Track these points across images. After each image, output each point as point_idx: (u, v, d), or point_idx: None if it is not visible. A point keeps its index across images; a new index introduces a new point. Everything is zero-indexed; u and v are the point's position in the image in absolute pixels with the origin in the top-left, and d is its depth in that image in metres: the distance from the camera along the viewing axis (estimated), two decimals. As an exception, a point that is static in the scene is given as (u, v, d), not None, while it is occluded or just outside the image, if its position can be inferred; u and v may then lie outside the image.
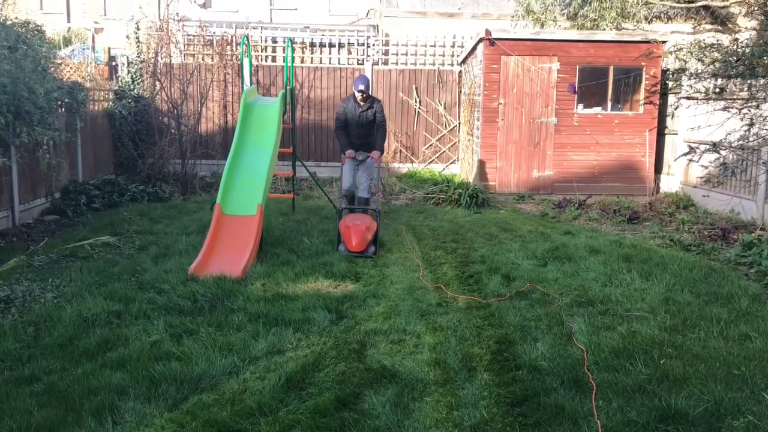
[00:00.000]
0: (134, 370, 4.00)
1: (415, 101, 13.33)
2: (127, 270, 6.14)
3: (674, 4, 12.93)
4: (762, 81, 8.03)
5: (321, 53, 14.17)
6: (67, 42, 20.58)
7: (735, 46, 8.07)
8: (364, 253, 6.89)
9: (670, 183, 11.27)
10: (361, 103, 8.11)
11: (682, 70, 10.47)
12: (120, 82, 12.53)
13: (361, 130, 8.18)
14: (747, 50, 7.76)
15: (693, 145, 8.81)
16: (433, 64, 13.71)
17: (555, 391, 3.77)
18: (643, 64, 11.14)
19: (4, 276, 5.86)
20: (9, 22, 7.98)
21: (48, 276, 6.00)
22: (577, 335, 4.64)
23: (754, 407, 3.56)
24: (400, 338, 4.66)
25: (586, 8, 13.05)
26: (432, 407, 3.65)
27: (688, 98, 10.36)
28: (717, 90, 8.76)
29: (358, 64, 13.79)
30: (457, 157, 13.46)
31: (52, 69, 8.87)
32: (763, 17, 8.61)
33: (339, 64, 13.86)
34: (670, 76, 11.25)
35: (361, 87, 7.95)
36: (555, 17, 13.65)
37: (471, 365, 4.21)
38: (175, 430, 3.32)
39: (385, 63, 13.85)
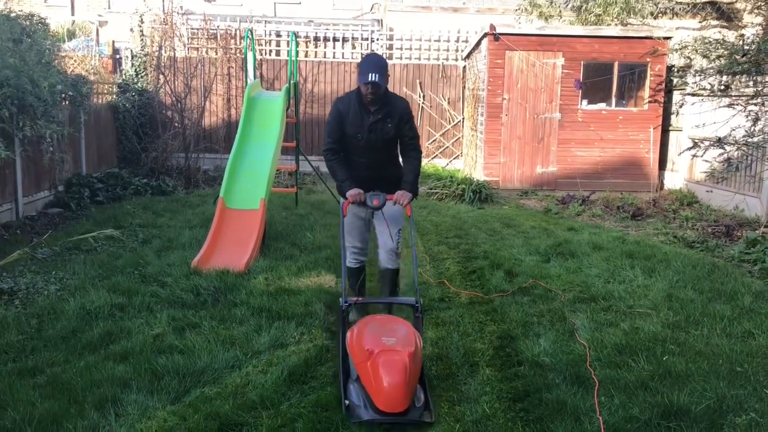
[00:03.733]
0: (137, 362, 4.00)
1: (419, 96, 13.30)
2: (130, 263, 6.15)
3: (680, 0, 12.88)
4: (768, 78, 7.99)
5: (325, 47, 14.15)
6: (71, 35, 20.59)
7: (741, 42, 8.03)
8: (406, 415, 3.36)
9: (674, 180, 11.24)
10: (371, 107, 4.44)
11: (688, 66, 10.44)
12: (124, 76, 12.54)
13: (374, 155, 4.56)
14: (753, 46, 7.72)
15: (698, 143, 8.78)
16: (437, 59, 13.68)
17: (557, 387, 3.77)
18: (648, 60, 11.10)
19: (7, 268, 5.87)
20: (13, 15, 7.98)
21: (51, 268, 6.01)
22: (579, 331, 4.64)
23: (756, 404, 3.55)
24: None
25: (590, 3, 13.01)
26: (434, 402, 3.65)
27: (692, 95, 10.32)
28: (722, 87, 8.73)
29: (361, 58, 13.77)
30: (461, 153, 13.44)
31: (56, 62, 8.88)
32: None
33: (343, 58, 13.84)
34: (675, 72, 11.22)
35: (373, 76, 4.27)
36: (560, 12, 13.61)
37: (473, 360, 4.21)
38: (177, 422, 3.33)
39: (389, 58, 13.83)
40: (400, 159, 4.70)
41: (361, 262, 4.90)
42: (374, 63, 4.32)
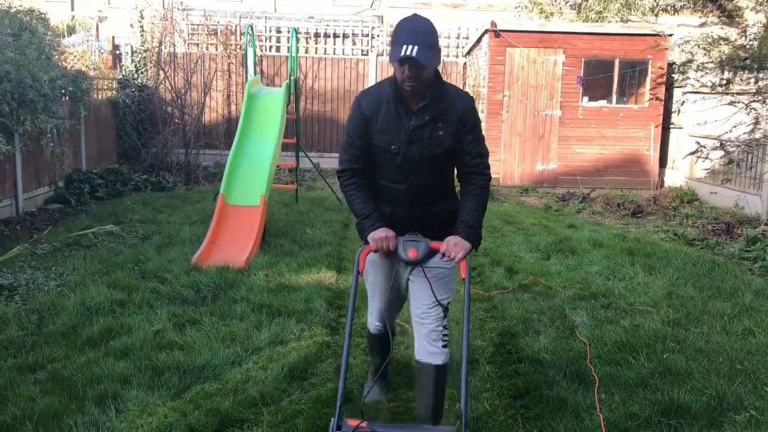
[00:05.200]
0: (137, 359, 4.00)
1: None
2: (130, 259, 6.14)
3: (681, -3, 12.85)
4: (769, 73, 7.98)
5: (325, 44, 14.13)
6: (71, 30, 20.56)
7: (743, 39, 8.02)
8: None
9: (675, 177, 11.24)
10: (414, 104, 2.89)
11: (689, 62, 10.43)
12: (124, 71, 12.51)
13: (417, 179, 3.00)
14: (755, 43, 7.71)
15: (700, 140, 8.78)
16: (438, 56, 13.65)
17: (557, 384, 3.77)
18: (649, 57, 11.09)
19: (7, 264, 5.87)
20: (13, 10, 7.97)
21: (51, 264, 6.01)
22: (579, 328, 4.64)
23: (756, 402, 3.55)
24: (403, 330, 4.66)
25: (590, 0, 12.98)
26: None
27: (694, 93, 10.32)
28: (723, 83, 8.72)
29: (362, 54, 13.75)
30: (461, 149, 13.42)
31: (56, 57, 8.87)
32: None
33: (343, 54, 13.82)
34: (677, 69, 11.20)
35: (410, 48, 2.65)
36: (560, 8, 13.58)
37: (473, 357, 4.21)
38: (177, 418, 3.33)
39: (389, 55, 13.80)
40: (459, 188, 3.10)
41: (384, 328, 3.28)
42: (414, 29, 2.68)
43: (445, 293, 3.03)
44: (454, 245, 2.83)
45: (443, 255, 2.85)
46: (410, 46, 2.64)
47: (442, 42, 13.77)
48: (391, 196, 3.02)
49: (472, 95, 3.28)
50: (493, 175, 11.86)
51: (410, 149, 2.89)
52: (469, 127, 2.90)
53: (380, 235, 2.88)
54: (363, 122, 2.93)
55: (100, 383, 3.68)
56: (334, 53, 13.96)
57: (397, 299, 3.28)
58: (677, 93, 11.15)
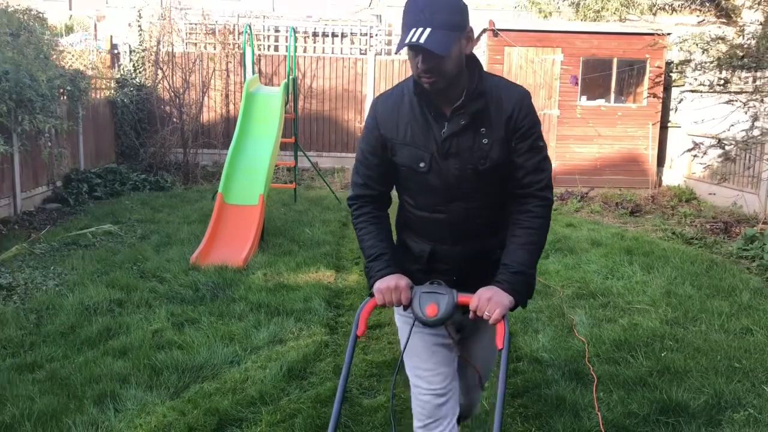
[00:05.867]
0: (136, 358, 4.00)
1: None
2: (128, 258, 6.14)
3: (678, -4, 12.86)
4: (768, 74, 7.99)
5: (324, 43, 14.12)
6: (69, 30, 20.53)
7: (741, 38, 8.03)
8: None
9: (673, 176, 11.24)
10: (446, 105, 2.14)
11: (687, 61, 10.43)
12: (122, 71, 12.50)
13: (456, 206, 2.22)
14: (753, 42, 7.71)
15: (697, 140, 8.78)
16: (436, 55, 13.65)
17: (556, 383, 3.77)
18: (647, 56, 11.09)
19: (6, 264, 5.86)
20: (11, 9, 7.95)
21: (50, 264, 6.00)
22: (578, 327, 4.64)
23: (754, 400, 3.56)
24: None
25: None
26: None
27: (692, 91, 10.32)
28: (721, 83, 8.72)
29: (360, 54, 13.75)
30: (460, 149, 13.43)
31: (54, 57, 8.85)
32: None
33: (342, 53, 13.81)
34: (675, 68, 11.21)
35: (418, 33, 1.93)
36: (559, 7, 13.59)
37: (472, 356, 4.21)
38: (176, 418, 3.33)
39: (388, 53, 13.80)
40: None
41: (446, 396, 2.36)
42: (424, 4, 1.96)
43: (485, 363, 2.47)
44: (488, 300, 2.04)
45: (474, 313, 2.06)
46: (419, 29, 1.93)
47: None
48: (430, 229, 2.26)
49: (525, 90, 2.20)
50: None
51: (446, 165, 2.14)
52: (522, 131, 2.13)
53: (388, 284, 2.14)
54: (378, 133, 2.23)
55: (99, 383, 3.68)
56: (332, 52, 13.95)
57: (448, 366, 2.39)
58: (675, 92, 11.15)
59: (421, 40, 1.92)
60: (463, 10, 2.02)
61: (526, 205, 2.17)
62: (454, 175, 2.16)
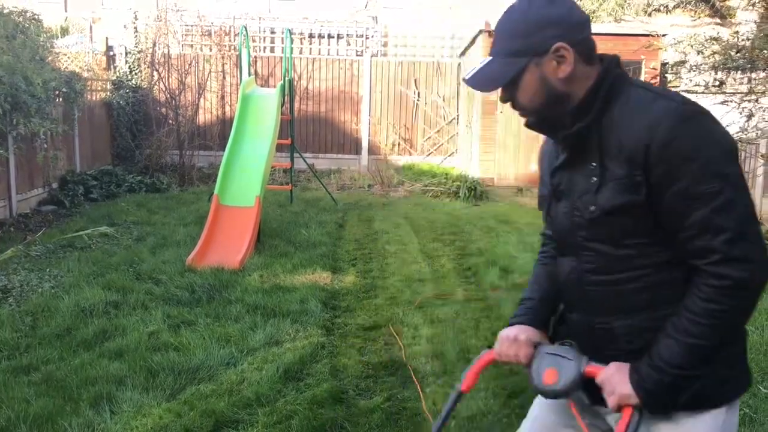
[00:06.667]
0: (132, 360, 4.00)
1: (414, 93, 13.29)
2: (124, 260, 6.13)
3: (674, -3, 12.90)
4: (762, 74, 8.01)
5: (320, 44, 14.13)
6: (65, 32, 20.50)
7: (735, 39, 8.06)
8: None
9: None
10: (554, 133, 1.69)
11: (682, 62, 10.46)
12: (118, 73, 12.48)
13: (574, 261, 1.69)
14: (747, 43, 7.74)
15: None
16: (432, 56, 13.67)
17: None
18: (642, 57, 11.12)
19: (1, 266, 5.85)
20: (6, 11, 7.94)
21: (45, 266, 5.99)
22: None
23: (750, 400, 3.56)
24: (398, 330, 4.67)
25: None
26: (430, 399, 3.66)
27: (687, 92, 10.35)
28: (716, 83, 8.75)
29: (356, 55, 13.76)
30: (456, 150, 13.44)
31: (50, 59, 8.84)
32: (764, 9, 8.60)
33: (338, 55, 13.82)
34: (670, 69, 11.24)
35: (480, 64, 1.67)
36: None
37: (468, 357, 4.21)
38: (172, 419, 3.32)
39: (384, 55, 13.81)
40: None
41: None
42: (496, 29, 1.69)
43: None
44: (611, 375, 1.58)
45: (603, 393, 1.60)
46: (485, 60, 1.68)
47: (437, 42, 13.75)
48: (560, 288, 1.80)
49: (684, 106, 1.50)
50: (487, 175, 11.73)
51: (556, 208, 1.73)
52: (663, 170, 1.47)
53: (508, 334, 1.82)
54: (540, 161, 1.87)
55: (95, 385, 3.67)
56: (328, 54, 13.96)
57: None
58: (671, 92, 11.17)
59: (469, 75, 1.67)
60: (529, 32, 1.58)
61: (696, 282, 1.49)
62: (561, 221, 1.71)
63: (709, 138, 1.47)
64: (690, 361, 1.50)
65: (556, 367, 1.67)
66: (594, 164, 1.58)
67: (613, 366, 1.59)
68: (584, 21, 1.61)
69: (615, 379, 1.57)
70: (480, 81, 1.65)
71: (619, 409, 1.56)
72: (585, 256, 1.64)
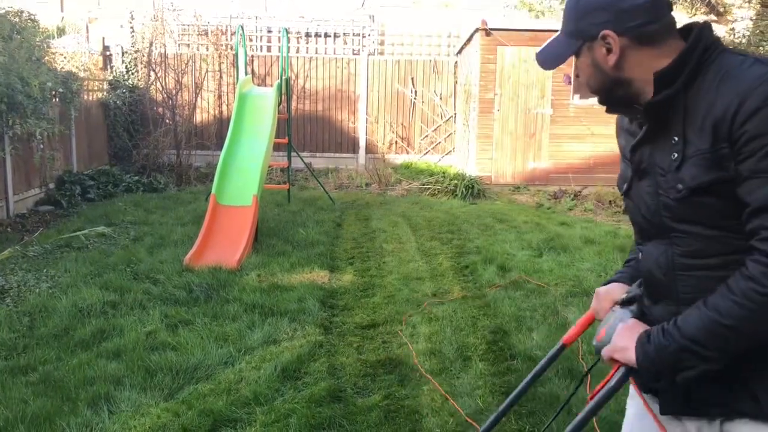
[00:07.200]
0: (130, 360, 4.00)
1: (411, 92, 13.29)
2: (122, 260, 6.13)
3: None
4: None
5: (316, 43, 14.12)
6: (61, 32, 20.47)
7: (732, 36, 8.08)
8: None
9: (666, 174, 11.28)
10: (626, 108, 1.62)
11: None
12: (114, 73, 12.47)
13: (652, 248, 1.59)
14: (744, 39, 7.76)
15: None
16: (429, 55, 13.67)
17: (550, 381, 3.78)
18: (639, 54, 11.13)
19: (-2, 266, 5.85)
20: (3, 12, 7.92)
21: (43, 266, 5.99)
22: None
23: (747, 396, 3.57)
24: (396, 328, 4.67)
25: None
26: (429, 397, 3.66)
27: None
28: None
29: (353, 54, 13.75)
30: (453, 148, 13.45)
31: (46, 59, 8.83)
32: (760, 6, 8.63)
33: (335, 54, 13.81)
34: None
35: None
36: (551, 6, 13.62)
37: (466, 355, 4.22)
38: (170, 419, 3.32)
39: (381, 53, 13.81)
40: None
41: None
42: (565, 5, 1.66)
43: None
44: (625, 328, 1.57)
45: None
46: (553, 36, 1.66)
47: (434, 41, 13.75)
48: (644, 278, 1.66)
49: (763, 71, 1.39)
50: (484, 174, 11.75)
51: (639, 188, 1.61)
52: (743, 142, 1.36)
53: (599, 290, 1.83)
54: (618, 136, 1.78)
55: (93, 384, 3.68)
56: (325, 53, 13.95)
57: None
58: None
59: (540, 49, 1.67)
60: (580, 16, 1.56)
61: (745, 260, 1.38)
62: (645, 202, 1.58)
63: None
64: (705, 338, 1.38)
65: (607, 325, 1.65)
66: (676, 138, 1.48)
67: (634, 322, 1.57)
68: (637, 6, 1.49)
69: (624, 332, 1.54)
70: (543, 57, 1.64)
71: (613, 362, 1.54)
72: (676, 239, 1.51)
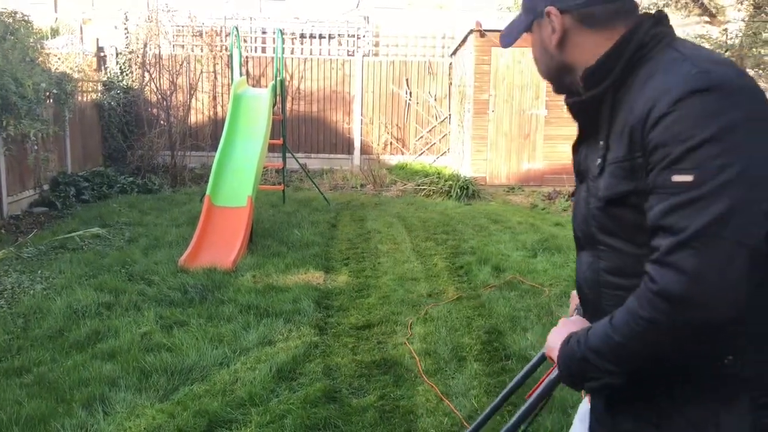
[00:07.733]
0: (125, 361, 3.99)
1: (406, 93, 13.31)
2: (116, 261, 6.12)
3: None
4: (751, 72, 8.07)
5: (311, 44, 14.12)
6: (55, 33, 20.41)
7: (725, 37, 8.12)
8: None
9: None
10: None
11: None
12: (108, 74, 12.45)
13: (580, 258, 1.51)
14: (737, 41, 7.80)
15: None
16: (424, 56, 13.69)
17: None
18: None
19: (-8, 268, 5.83)
20: (-4, 12, 7.91)
21: (37, 268, 5.97)
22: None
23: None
24: (391, 329, 4.68)
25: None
26: (423, 397, 3.67)
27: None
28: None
29: (348, 55, 13.76)
30: (448, 149, 13.47)
31: (40, 60, 8.81)
32: (753, 7, 8.67)
33: (329, 55, 13.82)
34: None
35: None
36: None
37: (461, 355, 4.23)
38: (166, 420, 3.32)
39: (376, 54, 13.82)
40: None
41: None
42: None
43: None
44: (561, 326, 1.53)
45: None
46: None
47: (428, 42, 13.77)
48: (577, 287, 1.61)
49: (703, 74, 1.19)
50: (479, 174, 11.83)
51: (578, 193, 1.52)
52: (650, 152, 1.22)
53: (573, 292, 1.71)
54: None
55: (88, 386, 3.67)
56: (320, 54, 13.95)
57: None
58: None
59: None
60: None
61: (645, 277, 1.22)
62: (580, 208, 1.48)
63: (711, 118, 1.15)
64: (602, 350, 1.28)
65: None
66: (602, 143, 1.36)
67: (570, 322, 1.52)
68: None
69: (556, 331, 1.51)
70: (503, 34, 1.58)
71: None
72: (602, 252, 1.40)
